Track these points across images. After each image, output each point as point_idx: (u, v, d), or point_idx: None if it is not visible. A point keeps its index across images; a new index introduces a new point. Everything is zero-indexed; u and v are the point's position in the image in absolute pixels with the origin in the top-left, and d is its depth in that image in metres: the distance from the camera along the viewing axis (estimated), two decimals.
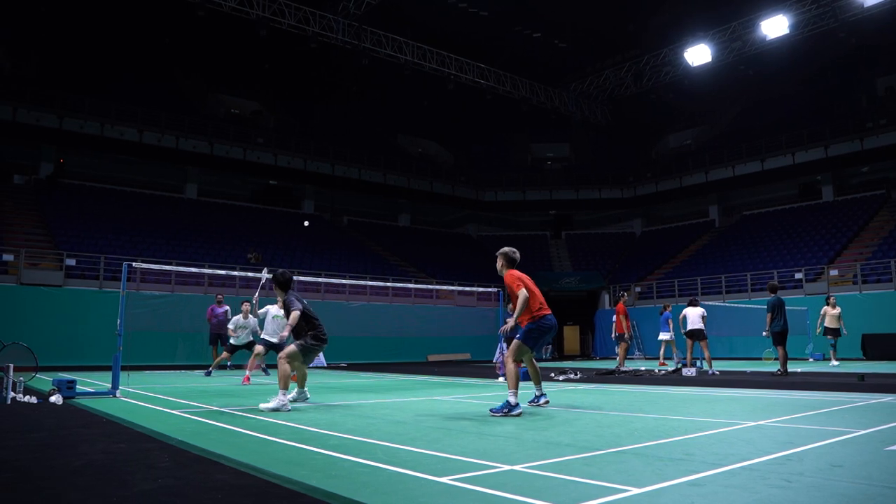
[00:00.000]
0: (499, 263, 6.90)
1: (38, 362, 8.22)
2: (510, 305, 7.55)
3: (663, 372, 14.04)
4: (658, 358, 17.92)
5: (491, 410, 6.24)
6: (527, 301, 6.41)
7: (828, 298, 16.88)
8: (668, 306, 17.15)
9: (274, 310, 11.61)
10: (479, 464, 3.68)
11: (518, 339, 6.48)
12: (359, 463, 3.75)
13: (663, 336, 16.56)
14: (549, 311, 6.65)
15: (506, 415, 6.05)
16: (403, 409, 6.98)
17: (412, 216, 36.38)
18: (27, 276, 18.03)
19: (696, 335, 13.71)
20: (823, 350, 20.02)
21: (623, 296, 15.56)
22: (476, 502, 2.86)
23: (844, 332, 16.43)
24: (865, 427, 5.04)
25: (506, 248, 6.94)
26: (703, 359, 13.85)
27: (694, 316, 13.77)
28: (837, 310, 16.27)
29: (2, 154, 26.04)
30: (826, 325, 16.25)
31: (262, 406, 6.68)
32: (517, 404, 6.14)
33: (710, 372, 13.20)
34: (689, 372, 13.16)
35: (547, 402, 6.88)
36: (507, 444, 4.47)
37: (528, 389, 7.13)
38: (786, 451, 3.98)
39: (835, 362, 16.35)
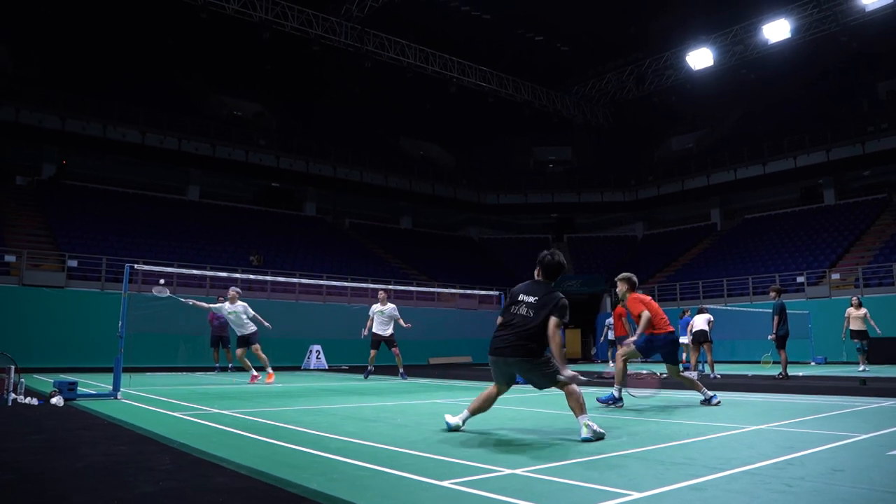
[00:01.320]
0: (622, 288, 7.47)
1: (35, 364, 8.23)
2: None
3: (664, 375, 14.01)
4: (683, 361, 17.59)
5: (598, 399, 7.25)
6: (648, 320, 7.23)
7: (852, 299, 16.02)
8: (688, 311, 16.97)
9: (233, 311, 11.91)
10: (481, 467, 3.68)
11: (635, 342, 7.31)
12: (360, 466, 3.75)
13: (683, 340, 16.41)
14: (666, 330, 7.36)
15: (609, 405, 7.03)
16: (405, 412, 6.98)
17: (414, 219, 36.39)
18: (29, 278, 18.05)
19: (698, 338, 13.74)
20: (826, 355, 19.97)
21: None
22: None
23: (878, 331, 15.56)
24: (867, 431, 5.03)
25: (627, 274, 7.55)
26: (706, 362, 13.86)
27: (700, 321, 13.84)
28: (862, 310, 15.40)
29: (4, 155, 26.10)
30: (851, 327, 15.37)
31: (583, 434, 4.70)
32: (620, 398, 7.15)
33: (712, 375, 13.23)
34: (690, 375, 13.16)
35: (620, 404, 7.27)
36: (508, 447, 4.47)
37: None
38: (787, 456, 3.97)
39: (863, 367, 15.39)
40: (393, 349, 13.12)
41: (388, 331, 13.07)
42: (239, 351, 11.81)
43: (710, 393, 7.50)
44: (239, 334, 11.84)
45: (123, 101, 27.23)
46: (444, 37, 30.75)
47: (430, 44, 30.40)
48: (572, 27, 31.76)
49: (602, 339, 21.94)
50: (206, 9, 24.88)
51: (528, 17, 31.11)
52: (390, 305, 13.15)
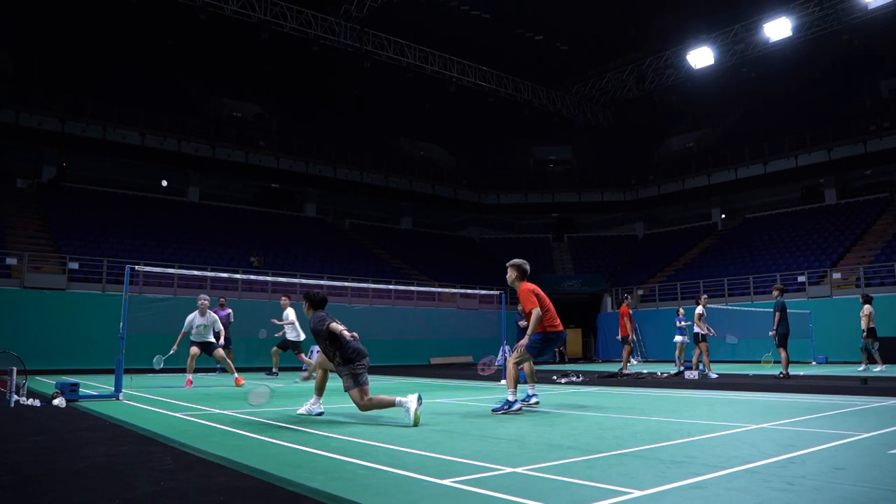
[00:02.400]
0: (511, 275, 6.99)
1: (37, 366, 8.25)
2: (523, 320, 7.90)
3: (665, 374, 14.04)
4: (674, 361, 17.60)
5: (493, 409, 6.66)
6: (540, 318, 6.64)
7: (860, 298, 15.57)
8: (682, 311, 16.93)
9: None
10: (482, 466, 3.68)
11: (527, 347, 6.69)
12: (360, 465, 3.75)
13: (678, 339, 16.37)
14: (559, 322, 6.89)
15: (506, 412, 6.47)
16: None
17: (414, 219, 36.40)
18: (30, 280, 18.07)
19: (696, 339, 13.72)
20: (826, 354, 19.92)
21: (626, 298, 15.51)
22: None
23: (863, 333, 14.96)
24: (868, 430, 5.03)
25: (518, 260, 7.02)
26: (703, 362, 13.85)
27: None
28: (864, 308, 14.97)
29: (4, 157, 26.11)
30: (862, 326, 14.91)
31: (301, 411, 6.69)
32: (516, 401, 6.56)
33: (710, 375, 13.21)
34: (691, 375, 13.17)
35: (537, 402, 7.09)
36: (509, 446, 4.48)
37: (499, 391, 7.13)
38: (788, 454, 3.97)
39: (863, 367, 14.94)
40: (300, 355, 12.56)
41: (297, 335, 12.53)
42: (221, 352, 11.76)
43: (513, 397, 6.58)
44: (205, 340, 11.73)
45: (123, 103, 27.24)
46: (444, 36, 30.74)
47: (430, 44, 30.40)
48: (572, 27, 31.75)
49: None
50: (204, 10, 24.90)
51: (528, 16, 31.10)
52: (290, 310, 12.57)
